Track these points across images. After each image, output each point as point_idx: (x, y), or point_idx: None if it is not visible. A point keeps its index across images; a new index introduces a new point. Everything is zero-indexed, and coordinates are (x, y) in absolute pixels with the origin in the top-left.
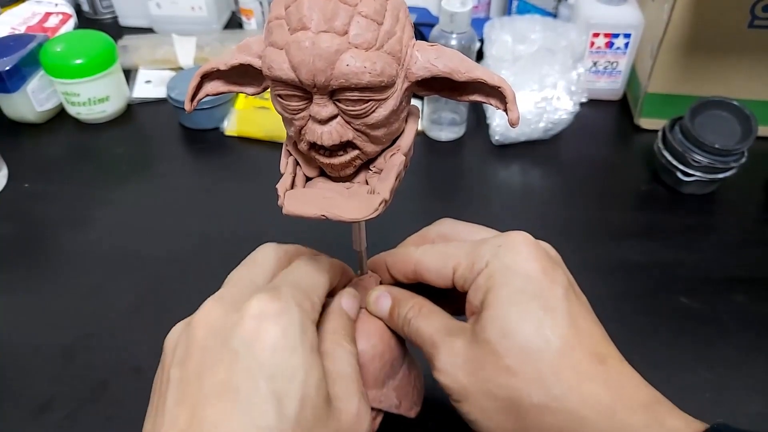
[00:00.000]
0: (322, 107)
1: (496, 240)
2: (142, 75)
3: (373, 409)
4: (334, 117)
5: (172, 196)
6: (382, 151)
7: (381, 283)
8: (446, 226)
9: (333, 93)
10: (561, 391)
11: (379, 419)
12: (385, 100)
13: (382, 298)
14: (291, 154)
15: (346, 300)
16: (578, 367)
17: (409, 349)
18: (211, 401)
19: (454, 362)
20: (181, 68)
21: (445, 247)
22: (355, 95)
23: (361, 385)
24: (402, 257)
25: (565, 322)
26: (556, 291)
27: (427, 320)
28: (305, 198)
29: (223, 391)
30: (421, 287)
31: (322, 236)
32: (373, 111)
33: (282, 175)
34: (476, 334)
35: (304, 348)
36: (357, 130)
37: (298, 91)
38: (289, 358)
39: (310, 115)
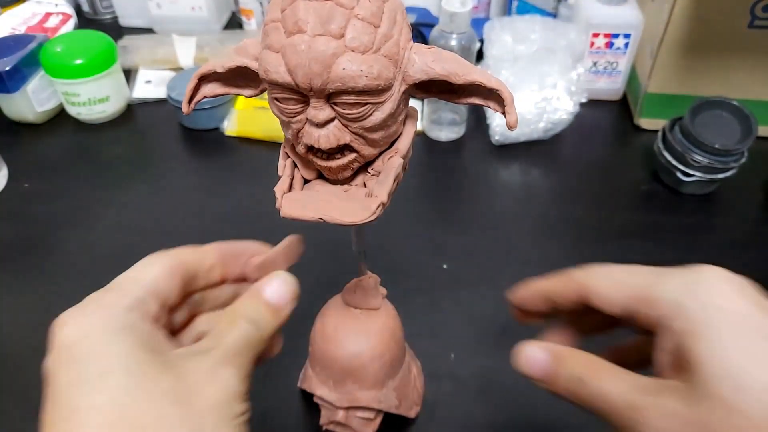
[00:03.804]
0: (319, 110)
1: (683, 275)
2: (142, 75)
3: (372, 409)
4: (331, 120)
5: (172, 196)
6: (380, 153)
7: (527, 314)
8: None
9: (330, 96)
10: None
11: (378, 420)
12: (382, 103)
13: (537, 354)
14: (289, 157)
15: (269, 286)
16: None
17: (409, 350)
18: (43, 422)
19: (671, 427)
20: (181, 68)
21: (617, 272)
22: (352, 98)
23: (235, 357)
24: (563, 280)
25: None
26: None
27: (613, 380)
28: (303, 201)
29: (48, 408)
30: None
31: (321, 237)
32: (371, 114)
33: (280, 177)
34: (696, 390)
35: (100, 330)
36: (354, 133)
37: (295, 94)
38: (90, 343)
39: (307, 119)
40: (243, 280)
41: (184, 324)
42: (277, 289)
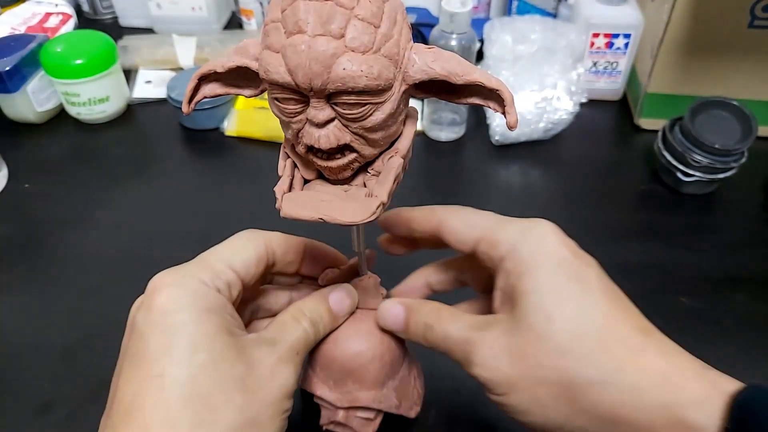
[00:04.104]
0: (319, 110)
1: (521, 223)
2: (143, 75)
3: (372, 409)
4: (332, 120)
5: (172, 196)
6: (381, 153)
7: (394, 240)
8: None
9: (330, 96)
10: (615, 364)
11: (378, 420)
12: (382, 103)
13: (394, 309)
14: (289, 157)
15: (335, 294)
16: (627, 340)
17: (409, 350)
18: (123, 373)
19: (494, 355)
20: (181, 68)
21: (471, 213)
22: (352, 99)
23: (295, 356)
24: (425, 212)
25: (606, 300)
26: (591, 273)
27: (453, 322)
28: (303, 201)
29: (132, 362)
30: None
31: (321, 237)
32: (371, 114)
33: (280, 177)
34: (516, 321)
35: (193, 307)
36: (354, 133)
37: (295, 94)
38: (183, 317)
39: (307, 119)
40: (313, 278)
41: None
42: (341, 299)
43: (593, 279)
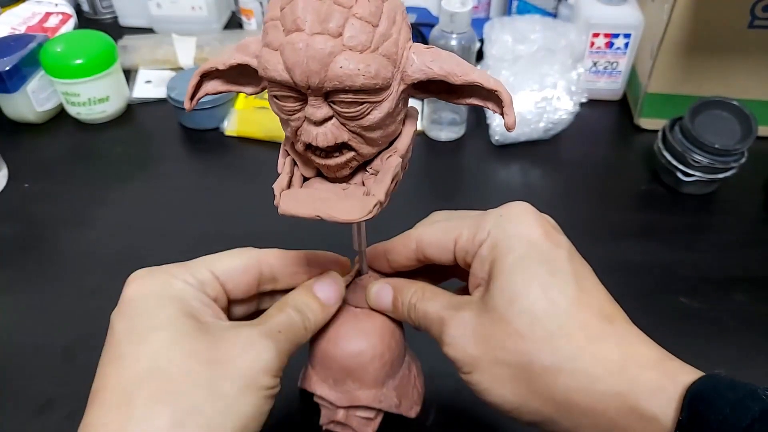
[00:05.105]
0: (317, 109)
1: (496, 211)
2: (142, 75)
3: (373, 409)
4: (329, 118)
5: (172, 196)
6: (379, 152)
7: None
8: (439, 215)
9: (328, 95)
10: (572, 351)
11: (378, 419)
12: (380, 102)
13: (383, 290)
14: (289, 155)
15: (319, 284)
16: (587, 327)
17: (409, 349)
18: (103, 365)
19: (462, 334)
20: (181, 68)
21: (445, 222)
22: (350, 97)
23: (276, 333)
24: (401, 239)
25: (572, 284)
26: (561, 254)
27: (432, 301)
28: (301, 198)
29: (103, 353)
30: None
31: (322, 236)
32: (369, 113)
33: (279, 174)
34: (484, 304)
35: (158, 294)
36: (352, 131)
37: (294, 92)
38: (146, 303)
39: (305, 116)
40: None
41: None
42: (327, 287)
43: (562, 262)
